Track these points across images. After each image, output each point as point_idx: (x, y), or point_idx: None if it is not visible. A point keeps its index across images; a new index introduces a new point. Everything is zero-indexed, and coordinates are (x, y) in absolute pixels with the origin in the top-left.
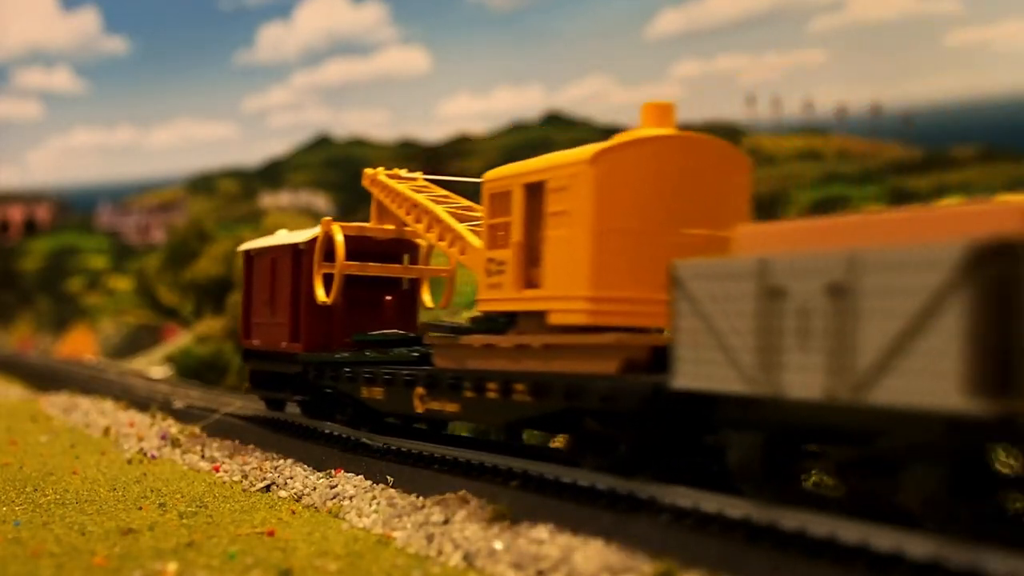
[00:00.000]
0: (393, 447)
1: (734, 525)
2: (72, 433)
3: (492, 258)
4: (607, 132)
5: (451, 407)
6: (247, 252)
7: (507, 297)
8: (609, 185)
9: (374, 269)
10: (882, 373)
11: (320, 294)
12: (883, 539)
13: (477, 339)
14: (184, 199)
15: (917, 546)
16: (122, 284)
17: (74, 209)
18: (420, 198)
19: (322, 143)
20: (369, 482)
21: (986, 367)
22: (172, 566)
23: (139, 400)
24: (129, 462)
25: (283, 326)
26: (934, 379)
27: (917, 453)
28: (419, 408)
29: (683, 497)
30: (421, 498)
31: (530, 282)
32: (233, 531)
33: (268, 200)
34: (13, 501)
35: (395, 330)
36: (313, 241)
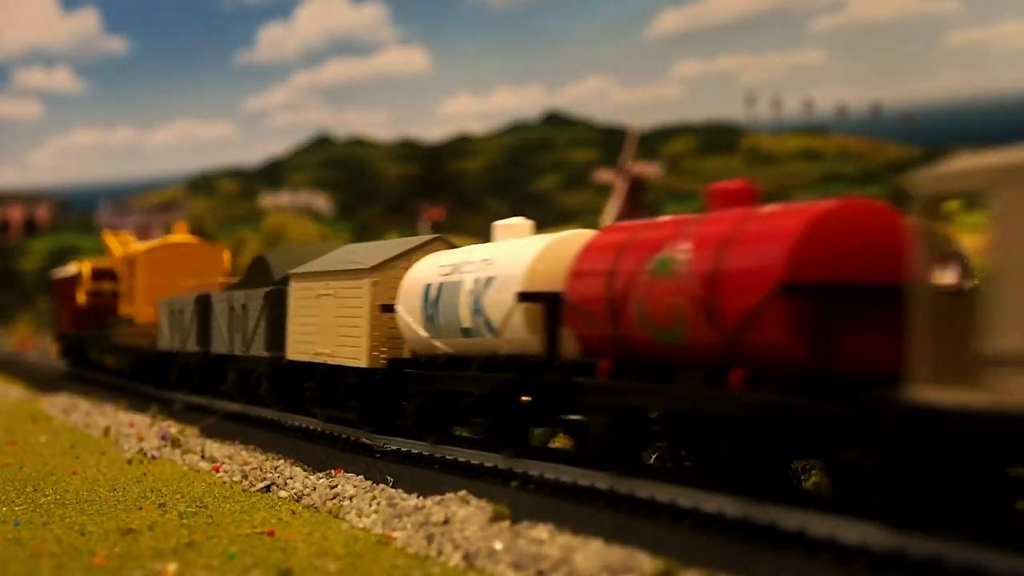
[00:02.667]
0: (393, 447)
1: (734, 525)
2: (72, 433)
3: (127, 290)
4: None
5: (115, 360)
6: (54, 278)
7: (127, 309)
8: (151, 263)
9: (108, 286)
10: (252, 342)
11: (79, 299)
12: (880, 538)
13: (123, 328)
14: (184, 199)
15: (917, 545)
16: None
17: (74, 209)
18: (117, 251)
19: (322, 143)
20: (369, 482)
21: (272, 338)
22: (172, 566)
23: (139, 400)
24: (129, 462)
25: (69, 319)
26: (264, 343)
27: (264, 375)
28: (109, 362)
29: (683, 497)
30: (421, 498)
31: (132, 303)
32: (233, 531)
33: (268, 200)
34: (13, 501)
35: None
36: (78, 273)
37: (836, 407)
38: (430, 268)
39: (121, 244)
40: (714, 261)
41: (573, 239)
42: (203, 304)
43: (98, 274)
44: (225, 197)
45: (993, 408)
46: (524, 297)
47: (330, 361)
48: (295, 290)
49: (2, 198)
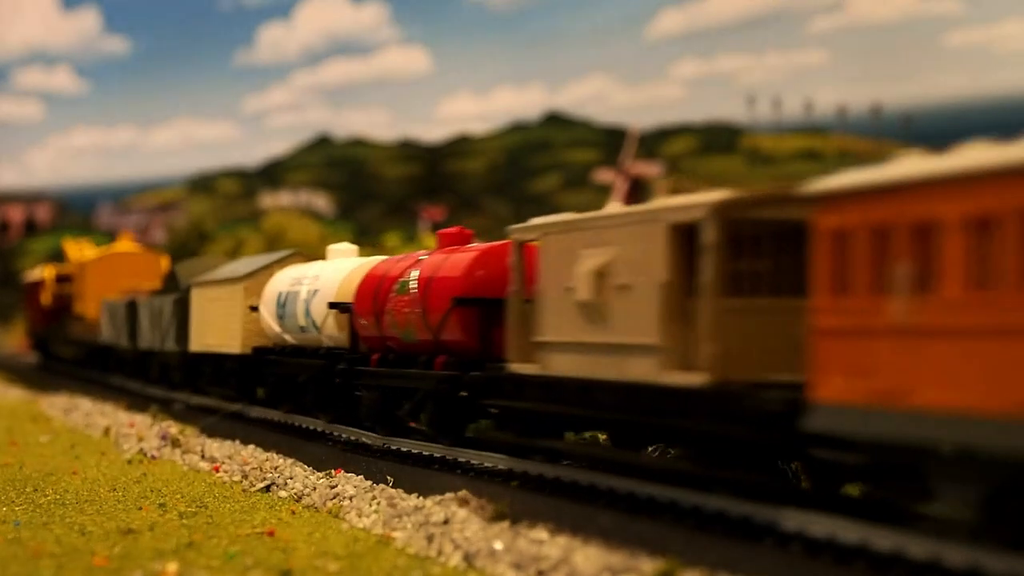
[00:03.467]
0: (393, 447)
1: (734, 525)
2: (72, 433)
3: (80, 291)
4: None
5: (70, 351)
6: (26, 281)
7: (79, 307)
8: (99, 269)
9: (68, 289)
10: (167, 338)
11: (44, 300)
12: (883, 539)
13: (76, 324)
14: (184, 199)
15: (917, 546)
16: None
17: (74, 209)
18: (74, 257)
19: (322, 143)
20: (369, 482)
21: (179, 335)
22: (172, 566)
23: (137, 399)
24: (129, 462)
25: (38, 317)
26: (174, 339)
27: (174, 362)
28: (65, 353)
29: (683, 497)
30: (421, 498)
31: (83, 302)
32: (233, 531)
33: (268, 200)
34: (13, 501)
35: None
36: (43, 278)
37: (478, 378)
38: (283, 280)
39: (78, 251)
40: (427, 284)
41: (373, 263)
42: (132, 307)
43: (60, 278)
44: (225, 197)
45: (540, 374)
46: (332, 306)
47: (218, 350)
48: (195, 296)
49: (2, 198)
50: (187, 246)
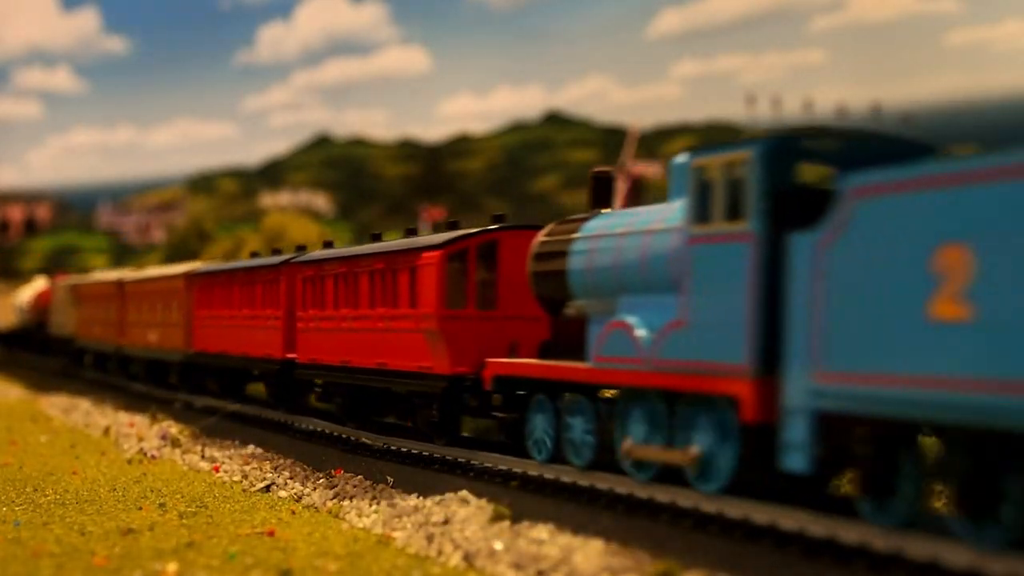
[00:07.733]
0: (393, 447)
1: (734, 525)
2: (72, 433)
3: None
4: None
5: None
6: None
7: None
8: None
9: None
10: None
11: None
12: (882, 539)
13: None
14: (184, 199)
15: (917, 546)
16: None
17: (74, 209)
18: None
19: (322, 143)
20: (369, 482)
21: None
22: (172, 566)
23: (137, 399)
24: (129, 462)
25: None
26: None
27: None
28: None
29: (683, 497)
30: (421, 498)
31: None
32: (233, 531)
33: (268, 200)
34: (13, 501)
35: None
36: None
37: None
38: (20, 294)
39: None
40: (46, 298)
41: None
42: None
43: None
44: (225, 197)
45: (59, 334)
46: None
47: (9, 328)
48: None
49: (2, 198)
50: (187, 245)
